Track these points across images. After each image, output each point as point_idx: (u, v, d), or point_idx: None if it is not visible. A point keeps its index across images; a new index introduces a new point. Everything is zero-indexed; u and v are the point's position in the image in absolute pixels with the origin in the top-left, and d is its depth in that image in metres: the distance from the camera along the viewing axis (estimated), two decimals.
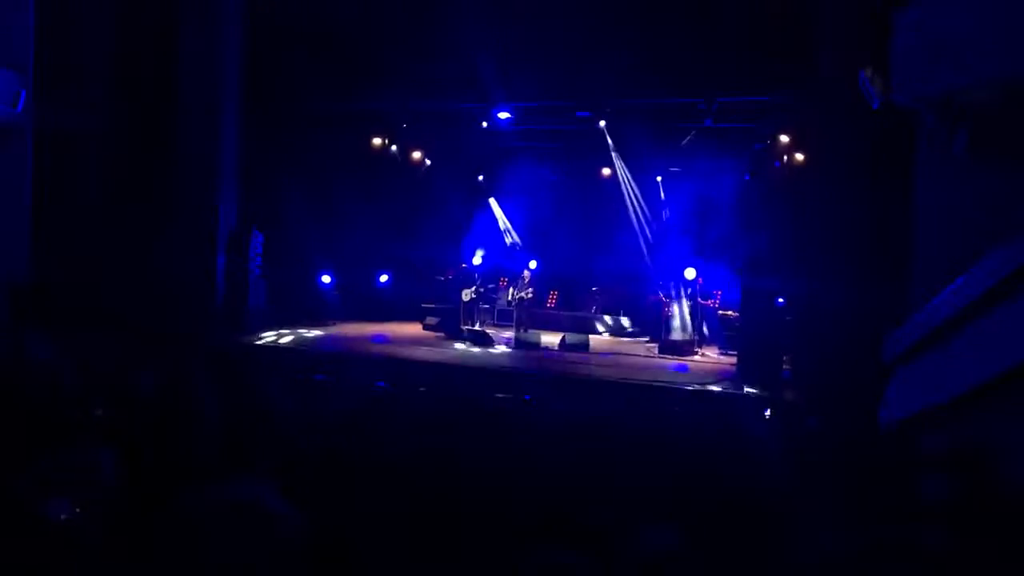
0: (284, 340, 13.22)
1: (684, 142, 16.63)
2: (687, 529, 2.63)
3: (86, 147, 12.52)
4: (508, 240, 19.52)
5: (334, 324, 16.10)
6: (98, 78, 12.56)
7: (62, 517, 2.35)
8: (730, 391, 10.79)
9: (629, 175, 17.73)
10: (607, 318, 18.04)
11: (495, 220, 19.82)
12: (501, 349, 14.39)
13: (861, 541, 2.51)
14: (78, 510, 2.41)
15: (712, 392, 10.73)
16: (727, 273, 15.81)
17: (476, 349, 14.20)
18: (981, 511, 2.74)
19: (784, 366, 11.51)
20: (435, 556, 2.64)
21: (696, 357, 14.21)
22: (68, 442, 3.16)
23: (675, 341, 14.70)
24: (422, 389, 7.63)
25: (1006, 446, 3.23)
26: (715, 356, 14.31)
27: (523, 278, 16.26)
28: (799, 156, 15.75)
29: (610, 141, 17.17)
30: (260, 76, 14.20)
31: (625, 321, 17.87)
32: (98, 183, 12.62)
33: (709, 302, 15.40)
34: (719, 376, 11.95)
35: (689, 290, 15.28)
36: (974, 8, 6.25)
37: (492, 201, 19.93)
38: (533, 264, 17.20)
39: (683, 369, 12.90)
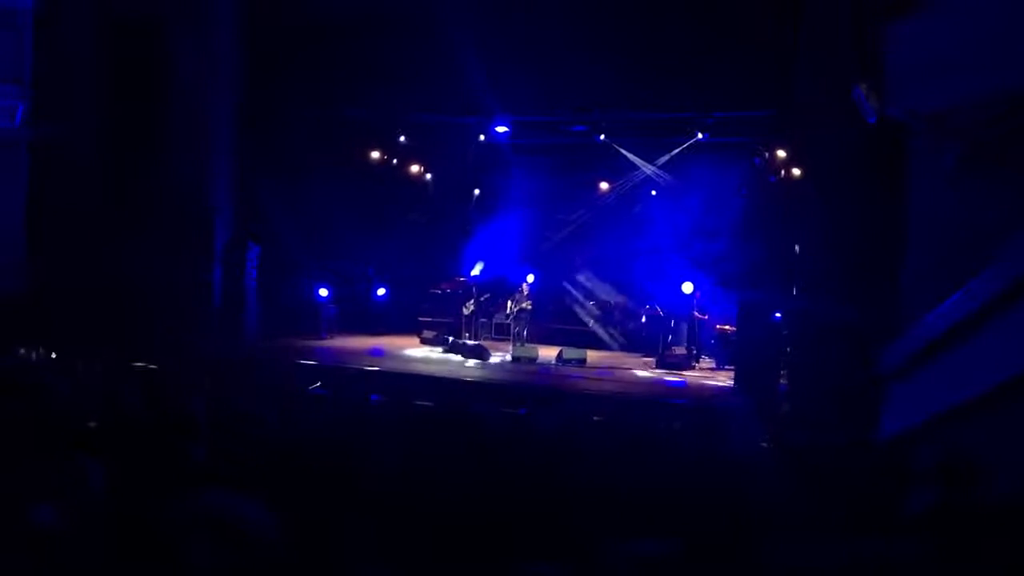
0: None
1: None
2: (678, 539, 2.63)
3: (81, 159, 12.53)
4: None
5: (331, 337, 16.10)
6: (93, 91, 12.58)
7: (50, 526, 2.36)
8: (727, 405, 10.79)
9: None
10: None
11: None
12: (497, 362, 14.36)
13: (851, 552, 2.51)
14: (66, 519, 2.42)
15: (708, 406, 10.71)
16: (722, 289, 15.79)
17: (472, 362, 14.18)
18: (967, 523, 2.74)
19: (781, 380, 11.51)
20: (424, 568, 2.63)
21: (693, 372, 14.18)
22: (60, 454, 3.16)
23: (672, 355, 14.68)
24: (418, 403, 7.62)
25: (995, 459, 3.24)
26: (712, 371, 14.28)
27: (520, 291, 16.24)
28: (795, 171, 15.78)
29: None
30: (256, 87, 14.22)
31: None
32: (93, 195, 12.61)
33: (706, 316, 15.38)
34: (716, 391, 11.94)
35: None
36: (965, 27, 6.30)
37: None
38: (531, 278, 17.16)
39: (680, 384, 12.88)
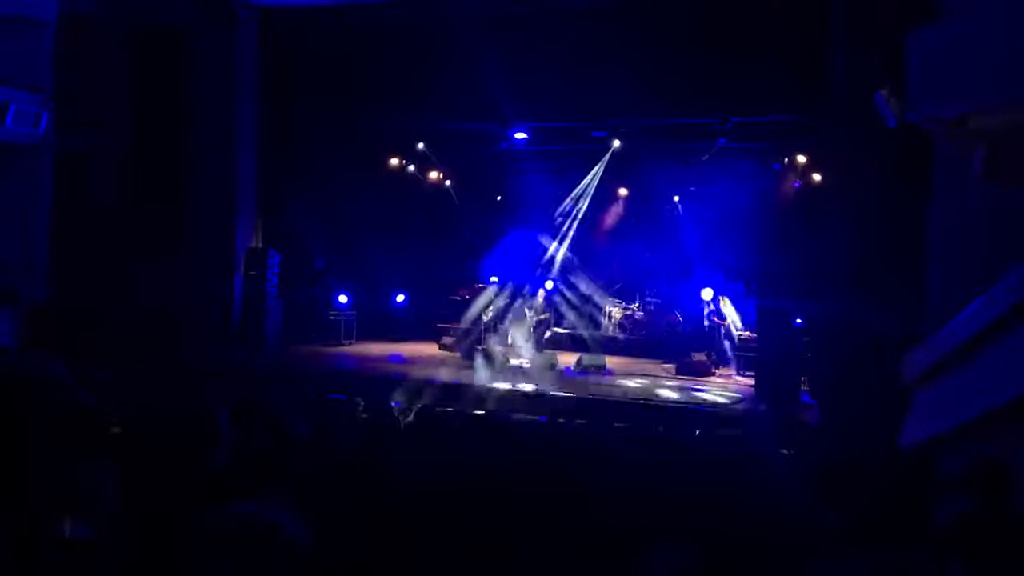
0: None
1: (704, 158, 16.66)
2: (702, 549, 2.60)
3: (104, 167, 12.66)
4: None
5: (350, 343, 16.19)
6: (115, 100, 12.71)
7: (79, 537, 2.36)
8: (748, 412, 10.72)
9: None
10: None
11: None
12: (516, 368, 14.34)
13: (878, 564, 2.48)
14: (94, 530, 2.42)
15: (729, 413, 10.65)
16: (742, 294, 15.73)
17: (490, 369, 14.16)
18: (999, 534, 2.69)
19: (802, 387, 11.42)
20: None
21: (713, 378, 14.10)
22: (83, 462, 3.17)
23: (692, 362, 14.60)
24: (438, 409, 7.62)
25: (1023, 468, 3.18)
26: (732, 377, 14.20)
27: (537, 298, 16.22)
28: (816, 176, 15.72)
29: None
30: (278, 95, 14.31)
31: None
32: (115, 203, 12.75)
33: (725, 322, 15.30)
34: (736, 397, 11.88)
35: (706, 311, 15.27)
36: (989, 30, 6.23)
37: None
38: (549, 284, 17.13)
39: (700, 390, 12.82)
